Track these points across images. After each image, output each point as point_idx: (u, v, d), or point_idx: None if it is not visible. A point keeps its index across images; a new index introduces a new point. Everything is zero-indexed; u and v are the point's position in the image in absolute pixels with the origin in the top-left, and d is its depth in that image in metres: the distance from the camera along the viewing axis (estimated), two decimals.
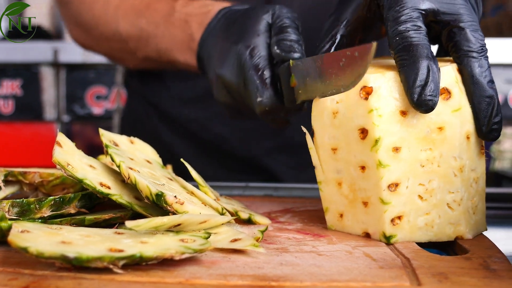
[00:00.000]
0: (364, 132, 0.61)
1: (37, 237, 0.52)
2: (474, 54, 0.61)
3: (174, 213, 0.61)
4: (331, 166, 0.66)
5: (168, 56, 0.94)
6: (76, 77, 2.37)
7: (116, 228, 0.59)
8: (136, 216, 0.63)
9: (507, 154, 2.29)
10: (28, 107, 2.36)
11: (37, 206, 0.61)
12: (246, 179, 1.03)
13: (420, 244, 0.62)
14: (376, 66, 0.64)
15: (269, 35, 0.74)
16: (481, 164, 0.65)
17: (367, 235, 0.65)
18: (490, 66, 0.62)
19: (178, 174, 0.75)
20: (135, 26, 0.97)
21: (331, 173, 0.66)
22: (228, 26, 0.79)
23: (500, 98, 2.20)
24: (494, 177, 1.82)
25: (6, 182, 0.71)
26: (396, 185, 0.61)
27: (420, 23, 0.61)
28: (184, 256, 0.52)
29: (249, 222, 0.70)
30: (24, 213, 0.61)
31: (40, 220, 0.61)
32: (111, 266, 0.50)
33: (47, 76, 2.35)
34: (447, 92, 0.61)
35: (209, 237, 0.58)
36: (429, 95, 0.58)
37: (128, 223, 0.54)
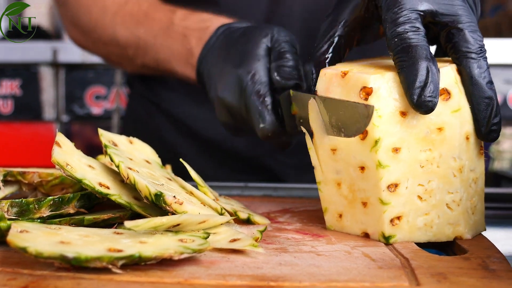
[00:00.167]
0: (364, 133, 0.61)
1: (36, 237, 0.52)
2: (473, 55, 0.61)
3: (173, 213, 0.61)
4: (330, 166, 0.66)
5: (166, 67, 0.95)
6: (75, 77, 2.37)
7: (115, 228, 0.59)
8: (135, 216, 0.63)
9: (506, 154, 2.29)
10: (27, 107, 2.36)
11: (36, 206, 0.61)
12: (248, 179, 1.03)
13: (419, 244, 0.62)
14: (375, 67, 0.64)
15: (269, 59, 0.76)
16: (480, 164, 0.65)
17: (366, 235, 0.65)
18: (489, 67, 0.62)
19: (180, 173, 0.75)
20: (133, 34, 0.98)
21: (330, 174, 0.67)
22: (228, 46, 0.80)
23: (499, 98, 2.20)
24: (493, 177, 1.82)
25: (5, 182, 0.71)
26: (396, 185, 0.61)
27: (418, 24, 0.61)
28: (183, 256, 0.52)
29: (248, 222, 0.70)
30: (23, 213, 0.61)
31: (39, 220, 0.61)
32: (110, 266, 0.50)
33: (46, 76, 2.35)
34: (447, 92, 0.61)
35: (208, 237, 0.58)
36: (429, 96, 0.58)
37: (127, 223, 0.54)
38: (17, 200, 0.61)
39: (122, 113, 2.28)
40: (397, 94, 0.61)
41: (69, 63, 2.32)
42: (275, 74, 0.74)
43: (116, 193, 0.63)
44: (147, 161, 0.73)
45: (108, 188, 0.63)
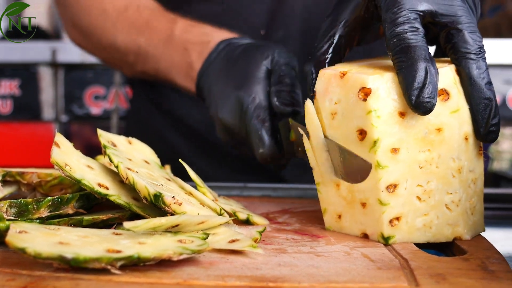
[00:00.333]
0: (362, 133, 0.62)
1: (35, 238, 0.52)
2: (472, 56, 0.61)
3: (172, 214, 0.61)
4: (328, 167, 0.66)
5: (167, 76, 0.96)
6: (74, 77, 2.37)
7: (114, 228, 0.59)
8: (134, 216, 0.63)
9: (506, 154, 2.29)
10: (26, 107, 2.36)
11: (35, 206, 0.61)
12: (248, 179, 1.03)
13: (418, 245, 0.62)
14: (374, 67, 0.64)
15: (269, 82, 0.78)
16: (479, 165, 0.65)
17: (365, 236, 0.65)
18: (488, 67, 0.62)
19: (180, 173, 0.75)
20: (133, 42, 0.99)
21: (329, 175, 0.66)
22: (228, 65, 0.82)
23: (498, 98, 2.21)
24: (492, 178, 1.82)
25: (4, 182, 0.71)
26: (395, 186, 0.61)
27: (417, 25, 0.61)
28: (182, 257, 0.52)
29: (247, 222, 0.70)
30: (22, 214, 0.61)
31: (38, 221, 0.61)
32: (108, 267, 0.50)
33: (45, 76, 2.35)
34: (446, 93, 0.61)
35: (207, 237, 0.58)
36: (427, 97, 0.58)
37: (126, 224, 0.54)
38: (16, 200, 0.61)
39: (121, 113, 2.28)
40: (396, 94, 0.61)
41: (68, 63, 2.32)
42: (275, 99, 0.76)
43: (115, 194, 0.63)
44: (146, 162, 0.73)
45: (107, 188, 0.63)
